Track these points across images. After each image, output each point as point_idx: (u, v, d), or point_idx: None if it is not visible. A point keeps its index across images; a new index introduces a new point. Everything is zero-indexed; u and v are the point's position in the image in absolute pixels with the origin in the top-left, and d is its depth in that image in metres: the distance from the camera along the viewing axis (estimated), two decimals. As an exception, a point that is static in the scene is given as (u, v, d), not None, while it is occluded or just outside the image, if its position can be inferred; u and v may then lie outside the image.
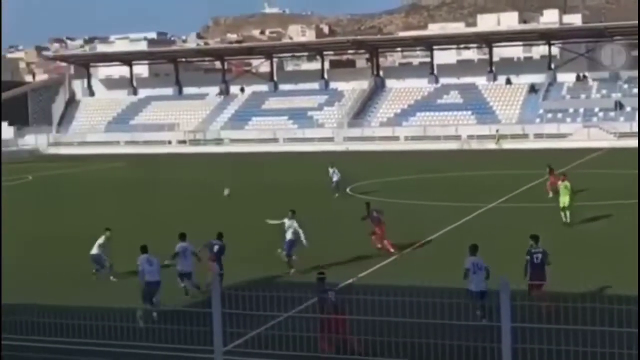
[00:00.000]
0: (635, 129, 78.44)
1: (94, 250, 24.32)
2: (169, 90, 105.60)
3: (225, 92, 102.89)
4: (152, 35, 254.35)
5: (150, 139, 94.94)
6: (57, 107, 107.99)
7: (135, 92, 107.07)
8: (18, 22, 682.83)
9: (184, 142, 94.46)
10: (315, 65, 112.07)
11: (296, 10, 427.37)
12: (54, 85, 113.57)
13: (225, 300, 11.67)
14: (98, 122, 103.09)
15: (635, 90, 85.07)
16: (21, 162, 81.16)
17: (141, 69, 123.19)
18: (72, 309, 18.89)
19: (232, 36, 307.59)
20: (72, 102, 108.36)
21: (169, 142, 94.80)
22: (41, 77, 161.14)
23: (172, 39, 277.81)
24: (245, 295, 14.87)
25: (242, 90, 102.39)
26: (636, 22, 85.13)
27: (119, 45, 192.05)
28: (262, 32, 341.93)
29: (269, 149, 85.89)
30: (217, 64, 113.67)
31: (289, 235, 24.39)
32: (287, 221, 24.74)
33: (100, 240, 24.47)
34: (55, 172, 68.42)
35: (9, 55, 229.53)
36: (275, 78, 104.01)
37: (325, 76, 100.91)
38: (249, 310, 14.44)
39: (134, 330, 15.91)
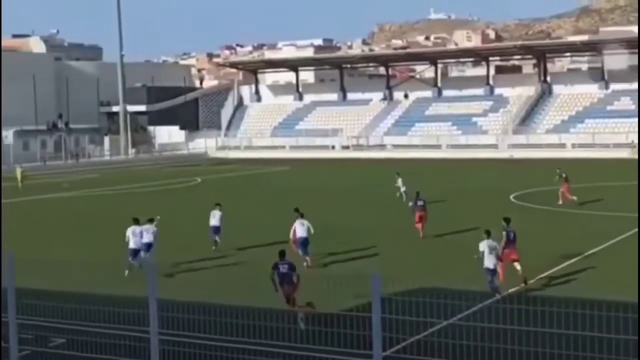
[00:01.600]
0: None
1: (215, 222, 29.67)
2: (333, 96, 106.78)
3: (389, 97, 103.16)
4: (319, 41, 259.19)
5: (315, 144, 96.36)
6: (226, 112, 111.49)
7: (300, 98, 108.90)
8: (192, 30, 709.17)
9: (347, 147, 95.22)
10: (480, 71, 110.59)
11: (462, 16, 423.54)
12: (223, 91, 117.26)
13: (385, 305, 11.71)
14: (264, 127, 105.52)
15: None
16: (191, 164, 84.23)
17: (307, 75, 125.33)
18: (237, 308, 19.42)
19: (397, 42, 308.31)
20: (240, 107, 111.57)
21: (333, 147, 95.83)
22: (211, 82, 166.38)
23: (338, 45, 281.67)
24: (405, 301, 14.87)
25: (405, 96, 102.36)
26: None
27: (286, 51, 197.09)
28: (427, 38, 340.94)
29: (431, 155, 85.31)
30: (382, 70, 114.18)
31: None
32: None
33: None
34: (222, 175, 70.55)
35: (182, 62, 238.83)
36: (439, 84, 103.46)
37: (491, 82, 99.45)
38: (408, 316, 14.42)
39: (295, 332, 16.19)
